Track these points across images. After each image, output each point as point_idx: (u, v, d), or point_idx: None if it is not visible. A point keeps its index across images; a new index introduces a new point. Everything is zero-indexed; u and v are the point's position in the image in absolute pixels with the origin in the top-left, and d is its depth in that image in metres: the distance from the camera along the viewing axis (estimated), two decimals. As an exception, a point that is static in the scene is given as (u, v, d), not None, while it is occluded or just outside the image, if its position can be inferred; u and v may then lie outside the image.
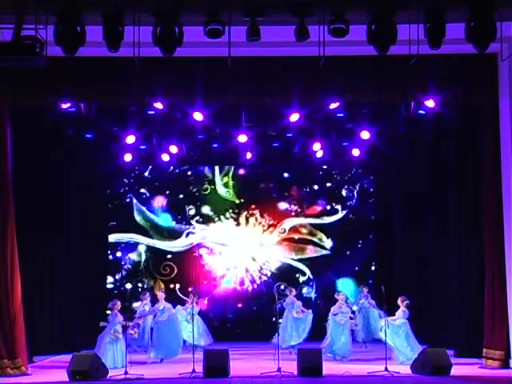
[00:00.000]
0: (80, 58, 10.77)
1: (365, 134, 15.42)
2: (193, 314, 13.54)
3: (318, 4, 10.26)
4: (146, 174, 18.52)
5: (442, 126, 14.35)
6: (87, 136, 15.58)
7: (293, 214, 18.72)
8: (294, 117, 14.31)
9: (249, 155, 16.89)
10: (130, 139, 15.49)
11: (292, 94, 12.56)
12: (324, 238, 18.71)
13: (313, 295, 18.56)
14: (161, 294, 14.77)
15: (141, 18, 10.21)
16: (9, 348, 12.19)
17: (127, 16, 10.21)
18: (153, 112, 14.22)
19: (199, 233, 18.60)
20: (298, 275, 18.60)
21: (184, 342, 14.56)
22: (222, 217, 18.66)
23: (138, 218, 18.50)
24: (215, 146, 16.73)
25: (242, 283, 18.64)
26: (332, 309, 14.32)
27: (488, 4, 10.16)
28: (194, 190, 18.69)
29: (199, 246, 18.62)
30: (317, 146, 16.39)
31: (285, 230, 18.71)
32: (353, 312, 15.36)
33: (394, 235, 17.76)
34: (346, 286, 18.40)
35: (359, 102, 13.71)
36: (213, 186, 18.74)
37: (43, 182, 14.71)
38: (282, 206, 18.76)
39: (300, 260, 18.68)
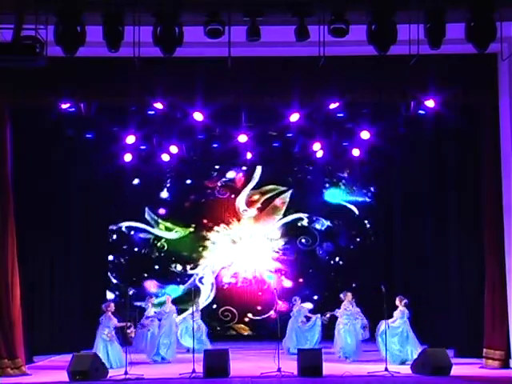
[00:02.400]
0: (80, 58, 10.76)
1: (365, 134, 15.42)
2: (192, 313, 13.57)
3: (318, 4, 10.26)
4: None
5: (442, 126, 14.35)
6: (87, 136, 15.58)
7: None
8: (294, 117, 14.31)
9: (249, 155, 16.89)
10: (130, 139, 15.49)
11: (292, 94, 12.56)
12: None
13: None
14: (167, 297, 14.92)
15: (141, 18, 10.21)
16: (9, 348, 12.20)
17: (127, 16, 10.21)
18: (153, 112, 14.24)
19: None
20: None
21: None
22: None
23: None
24: (215, 146, 16.74)
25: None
26: (338, 312, 14.25)
27: (488, 4, 10.16)
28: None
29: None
30: (317, 146, 16.40)
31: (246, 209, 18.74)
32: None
33: (393, 235, 17.75)
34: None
35: (359, 102, 13.72)
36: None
37: (43, 181, 14.70)
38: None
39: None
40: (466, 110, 13.26)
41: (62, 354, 14.30)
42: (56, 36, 10.07)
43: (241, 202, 18.72)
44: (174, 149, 16.37)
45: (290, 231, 18.68)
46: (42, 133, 14.48)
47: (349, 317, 14.10)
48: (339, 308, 14.28)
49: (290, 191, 18.72)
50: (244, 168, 18.60)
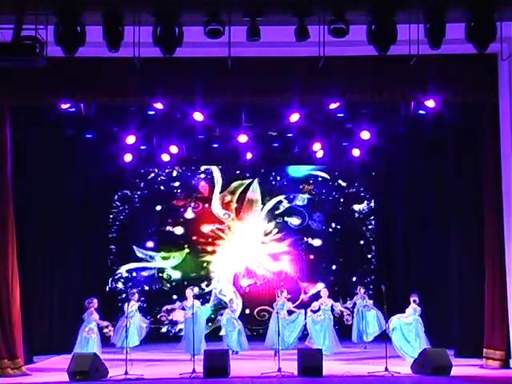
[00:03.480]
0: (80, 58, 10.76)
1: (365, 134, 15.44)
2: (193, 314, 13.56)
3: (318, 4, 10.25)
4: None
5: (442, 125, 14.35)
6: (87, 136, 15.59)
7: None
8: (294, 117, 14.33)
9: (249, 155, 16.89)
10: (130, 139, 15.50)
11: (292, 94, 12.54)
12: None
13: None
14: (189, 292, 14.80)
15: (141, 18, 10.20)
16: (9, 348, 12.18)
17: (127, 16, 10.20)
18: (153, 112, 14.25)
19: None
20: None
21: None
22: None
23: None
24: (215, 146, 16.74)
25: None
26: (312, 305, 14.66)
27: (488, 4, 10.15)
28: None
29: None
30: (317, 146, 16.40)
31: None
32: (348, 309, 15.67)
33: (394, 235, 17.76)
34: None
35: (359, 102, 13.73)
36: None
37: (43, 181, 14.71)
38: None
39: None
40: (466, 110, 13.25)
41: (61, 355, 14.31)
42: (56, 36, 10.06)
43: (217, 208, 18.74)
44: (174, 149, 16.38)
45: (277, 216, 18.69)
46: (42, 133, 14.49)
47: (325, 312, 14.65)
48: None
49: (256, 180, 18.76)
50: (202, 176, 18.63)
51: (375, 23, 10.19)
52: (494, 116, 12.51)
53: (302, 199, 18.76)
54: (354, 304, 15.97)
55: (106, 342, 14.05)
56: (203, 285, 18.29)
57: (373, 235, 18.77)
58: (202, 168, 18.72)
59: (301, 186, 18.80)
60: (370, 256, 18.70)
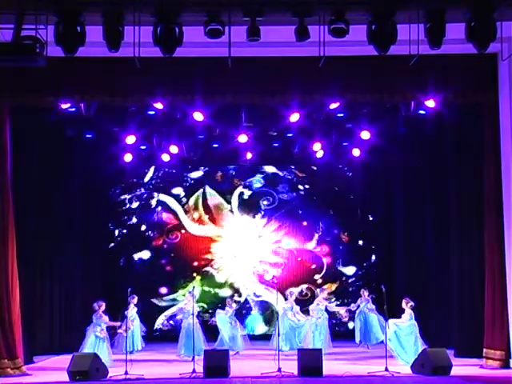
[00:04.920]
0: (80, 58, 10.76)
1: (365, 134, 15.45)
2: (192, 314, 13.58)
3: (318, 4, 10.25)
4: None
5: (442, 125, 14.36)
6: (87, 136, 15.60)
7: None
8: (294, 117, 14.33)
9: (249, 155, 16.89)
10: (130, 139, 15.51)
11: (292, 94, 12.55)
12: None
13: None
14: (188, 296, 14.82)
15: (141, 18, 10.21)
16: (9, 348, 12.18)
17: (127, 16, 10.21)
18: (153, 112, 14.26)
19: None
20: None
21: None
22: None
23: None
24: (215, 146, 16.75)
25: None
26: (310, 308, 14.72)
27: (488, 4, 10.16)
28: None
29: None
30: (317, 146, 16.41)
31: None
32: (351, 311, 15.59)
33: (394, 236, 17.76)
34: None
35: (359, 102, 13.71)
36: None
37: (43, 182, 14.70)
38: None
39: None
40: (466, 110, 13.26)
41: (61, 354, 14.31)
42: (56, 36, 10.07)
43: (194, 228, 18.59)
44: (174, 149, 16.39)
45: (251, 206, 18.62)
46: (42, 133, 14.49)
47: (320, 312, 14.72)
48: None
49: (205, 187, 18.61)
50: (159, 208, 18.52)
51: (375, 23, 10.20)
52: (494, 116, 12.51)
53: (257, 181, 18.65)
54: (358, 307, 15.96)
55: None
56: (235, 297, 17.91)
57: (373, 235, 18.75)
58: (153, 202, 18.50)
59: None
60: (369, 256, 18.67)
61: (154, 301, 18.16)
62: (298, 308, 15.56)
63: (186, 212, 18.62)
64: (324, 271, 18.48)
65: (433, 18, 10.21)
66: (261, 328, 18.25)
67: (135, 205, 18.50)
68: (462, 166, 13.92)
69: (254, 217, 18.61)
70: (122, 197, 18.46)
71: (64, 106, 13.11)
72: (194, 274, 18.43)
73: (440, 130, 14.71)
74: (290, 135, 16.11)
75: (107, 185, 18.04)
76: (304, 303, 16.65)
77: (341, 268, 18.59)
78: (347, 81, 12.38)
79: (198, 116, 14.25)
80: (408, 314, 13.34)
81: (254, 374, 11.94)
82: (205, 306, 18.16)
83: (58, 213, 15.31)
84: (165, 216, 18.61)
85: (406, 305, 13.39)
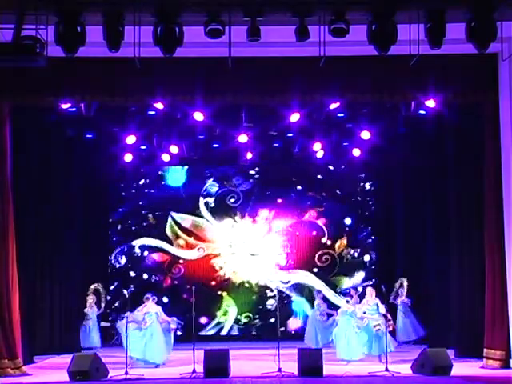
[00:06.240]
0: (80, 58, 10.76)
1: (365, 134, 15.45)
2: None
3: (318, 4, 10.25)
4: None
5: (442, 125, 14.37)
6: (87, 136, 15.61)
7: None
8: (294, 117, 14.34)
9: (249, 155, 16.90)
10: (131, 139, 15.51)
11: (292, 94, 12.55)
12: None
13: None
14: (146, 298, 14.13)
15: (141, 18, 10.20)
16: (9, 348, 12.18)
17: (127, 16, 10.20)
18: (153, 112, 14.27)
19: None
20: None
21: None
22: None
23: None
24: (215, 146, 16.75)
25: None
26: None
27: (488, 4, 10.16)
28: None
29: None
30: (317, 146, 16.41)
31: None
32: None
33: (394, 235, 17.77)
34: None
35: (359, 102, 13.71)
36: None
37: (43, 182, 14.71)
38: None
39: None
40: (466, 110, 13.26)
41: (62, 354, 14.31)
42: (56, 36, 10.06)
43: (187, 255, 18.27)
44: (174, 149, 16.39)
45: (222, 210, 18.44)
46: (42, 133, 14.49)
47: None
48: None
49: (170, 214, 18.30)
50: (146, 253, 18.19)
51: (375, 23, 10.20)
52: (494, 116, 12.50)
53: (211, 186, 18.47)
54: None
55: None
56: (269, 293, 17.91)
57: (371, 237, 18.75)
58: (137, 250, 18.21)
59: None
60: (369, 256, 18.66)
61: (202, 333, 17.66)
62: (325, 306, 15.55)
63: (171, 243, 18.29)
64: (326, 232, 18.40)
65: (433, 18, 10.20)
66: (307, 307, 17.97)
67: (123, 261, 18.06)
68: (461, 166, 13.92)
69: (233, 218, 18.42)
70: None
71: (64, 106, 13.11)
72: (219, 293, 18.18)
73: (440, 130, 14.71)
74: (290, 135, 16.12)
75: (107, 184, 18.00)
76: (326, 269, 17.73)
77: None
78: (347, 81, 12.38)
79: (198, 116, 14.25)
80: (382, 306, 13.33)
81: (254, 374, 11.93)
82: (250, 315, 17.96)
83: (58, 213, 15.31)
84: (156, 256, 18.28)
85: (371, 296, 13.43)
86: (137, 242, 18.15)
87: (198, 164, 18.08)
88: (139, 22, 10.20)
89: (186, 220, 18.39)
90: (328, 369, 11.94)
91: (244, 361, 13.60)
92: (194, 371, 11.79)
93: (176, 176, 18.46)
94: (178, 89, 12.46)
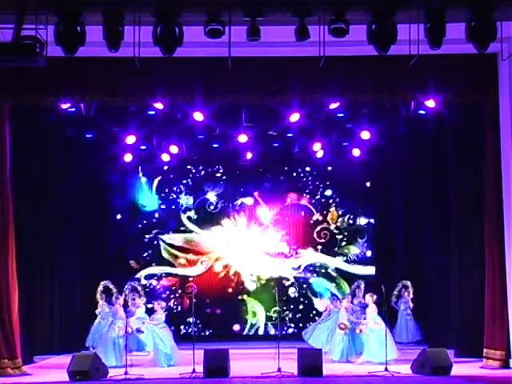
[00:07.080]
0: (80, 58, 10.77)
1: (365, 134, 15.45)
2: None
3: (318, 4, 10.26)
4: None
5: (442, 125, 14.37)
6: (87, 136, 15.60)
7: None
8: (294, 117, 14.34)
9: (249, 155, 16.89)
10: (130, 139, 15.51)
11: (292, 94, 12.56)
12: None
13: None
14: (117, 299, 14.20)
15: (141, 18, 10.21)
16: (9, 348, 12.19)
17: (127, 16, 10.21)
18: (153, 112, 14.27)
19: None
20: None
21: None
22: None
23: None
24: (215, 146, 16.74)
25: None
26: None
27: (488, 4, 10.16)
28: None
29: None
30: (317, 146, 16.41)
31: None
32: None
33: (394, 235, 17.76)
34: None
35: (359, 102, 13.72)
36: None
37: (43, 182, 14.70)
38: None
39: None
40: (466, 110, 13.27)
41: (62, 354, 14.31)
42: (56, 36, 10.07)
43: (193, 271, 17.94)
44: (174, 149, 16.39)
45: (206, 219, 18.20)
46: (42, 133, 14.49)
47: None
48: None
49: (160, 239, 18.01)
50: (154, 283, 17.83)
51: (375, 23, 10.21)
52: (494, 116, 12.51)
53: (186, 199, 18.18)
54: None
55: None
56: (286, 282, 17.88)
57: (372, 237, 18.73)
58: (144, 282, 17.64)
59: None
60: (366, 219, 18.59)
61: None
62: (346, 315, 14.84)
63: (173, 265, 18.07)
64: (314, 209, 18.24)
65: (433, 17, 10.21)
66: (329, 285, 18.01)
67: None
68: (462, 166, 13.92)
69: (220, 224, 18.19)
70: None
71: (64, 106, 13.12)
72: (239, 297, 17.99)
73: (440, 130, 14.71)
74: (290, 135, 16.10)
75: (107, 184, 17.98)
76: (330, 243, 17.87)
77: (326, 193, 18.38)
78: (347, 81, 12.39)
79: (198, 116, 14.26)
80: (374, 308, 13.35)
81: (254, 374, 11.94)
82: (278, 309, 17.14)
83: (57, 213, 15.30)
84: (165, 282, 18.01)
85: (371, 298, 13.46)
86: (141, 274, 17.88)
87: (170, 178, 17.94)
88: (139, 21, 10.21)
89: (177, 238, 18.12)
90: (328, 369, 11.96)
91: (244, 361, 13.61)
92: (193, 371, 11.80)
93: (149, 201, 18.14)
94: (177, 89, 12.47)
